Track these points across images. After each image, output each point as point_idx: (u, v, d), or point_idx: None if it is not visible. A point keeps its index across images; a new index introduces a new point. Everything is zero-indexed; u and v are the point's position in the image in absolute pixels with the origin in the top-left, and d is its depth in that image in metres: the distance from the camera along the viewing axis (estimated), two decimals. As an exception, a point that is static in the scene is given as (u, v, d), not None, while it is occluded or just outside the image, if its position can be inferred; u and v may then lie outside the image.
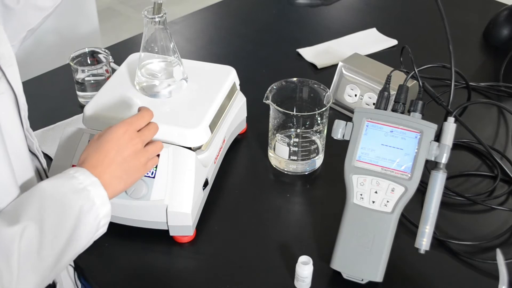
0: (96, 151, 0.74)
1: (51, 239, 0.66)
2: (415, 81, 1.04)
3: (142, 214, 0.87)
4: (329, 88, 1.07)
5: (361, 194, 0.82)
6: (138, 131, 0.78)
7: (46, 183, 0.69)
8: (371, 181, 0.82)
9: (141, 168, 0.78)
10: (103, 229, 0.73)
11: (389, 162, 0.81)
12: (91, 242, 0.72)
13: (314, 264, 0.81)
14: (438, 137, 0.81)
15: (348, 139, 0.84)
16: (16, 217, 0.65)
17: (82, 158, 0.75)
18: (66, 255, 0.68)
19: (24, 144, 0.74)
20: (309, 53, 1.36)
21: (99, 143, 0.75)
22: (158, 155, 0.85)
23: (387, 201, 0.81)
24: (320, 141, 1.02)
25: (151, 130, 0.80)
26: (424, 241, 0.79)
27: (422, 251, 0.79)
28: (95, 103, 0.93)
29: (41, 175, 0.81)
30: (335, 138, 0.85)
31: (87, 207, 0.69)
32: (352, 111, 0.90)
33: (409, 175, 0.80)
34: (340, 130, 0.84)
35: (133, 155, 0.76)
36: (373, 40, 1.42)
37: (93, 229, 0.71)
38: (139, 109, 0.81)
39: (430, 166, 0.83)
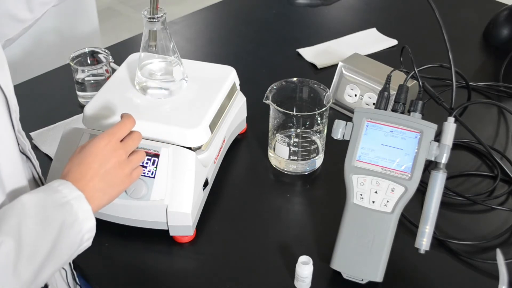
0: (79, 164, 0.73)
1: (29, 254, 0.64)
2: (415, 81, 1.04)
3: (142, 214, 0.87)
4: (329, 88, 1.07)
5: (361, 194, 0.82)
6: (121, 140, 0.76)
7: (27, 196, 0.68)
8: (371, 181, 0.82)
9: (126, 179, 0.77)
10: (87, 243, 0.71)
11: (389, 162, 0.81)
12: (74, 256, 0.71)
13: (314, 264, 0.81)
14: (438, 137, 0.81)
15: (348, 139, 0.84)
16: None
17: (65, 171, 0.74)
18: (46, 270, 0.66)
19: (15, 147, 0.74)
20: (309, 53, 1.36)
21: (81, 156, 0.74)
22: (143, 165, 0.84)
23: (387, 201, 0.81)
24: (320, 141, 1.02)
25: (134, 139, 0.79)
26: (424, 241, 0.79)
27: (422, 251, 0.79)
28: (95, 103, 0.93)
29: (34, 177, 0.81)
30: (335, 138, 0.85)
31: (69, 221, 0.68)
32: (352, 111, 0.90)
33: (409, 175, 0.80)
34: (340, 130, 0.84)
35: (117, 166, 0.75)
36: (373, 40, 1.42)
37: (75, 244, 0.69)
38: (122, 116, 0.80)
39: (430, 166, 0.83)
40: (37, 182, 0.81)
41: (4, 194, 0.71)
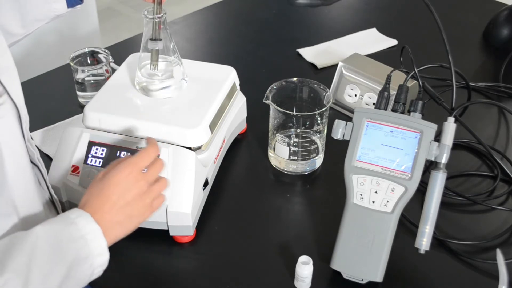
0: (98, 194, 0.71)
1: None
2: (415, 81, 1.04)
3: (142, 214, 0.87)
4: (329, 88, 1.07)
5: (361, 194, 0.82)
6: (143, 169, 0.74)
7: (41, 228, 0.66)
8: (371, 181, 0.82)
9: (146, 210, 0.74)
10: (97, 275, 0.70)
11: (389, 162, 0.81)
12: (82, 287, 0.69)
13: (314, 264, 0.81)
14: (438, 137, 0.81)
15: (348, 139, 0.84)
16: (1, 265, 0.62)
17: (84, 200, 0.71)
18: None
19: (26, 156, 0.74)
20: (309, 53, 1.36)
21: (101, 185, 0.72)
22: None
23: (387, 201, 0.81)
24: (320, 141, 1.02)
25: (157, 168, 0.76)
26: (424, 241, 0.79)
27: (422, 251, 0.79)
28: (95, 103, 0.93)
29: (41, 183, 0.81)
30: (335, 138, 0.85)
31: (82, 256, 0.66)
32: (352, 111, 0.90)
33: (409, 175, 0.80)
34: (340, 130, 0.84)
35: (137, 197, 0.72)
36: (373, 40, 1.42)
37: (85, 278, 0.68)
38: (147, 141, 0.78)
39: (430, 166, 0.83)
40: (43, 189, 0.81)
41: (13, 202, 0.71)
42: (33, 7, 0.90)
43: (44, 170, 0.80)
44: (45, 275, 0.63)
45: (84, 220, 0.68)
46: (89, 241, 0.67)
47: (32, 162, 0.77)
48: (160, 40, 0.91)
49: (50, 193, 0.82)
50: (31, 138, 0.77)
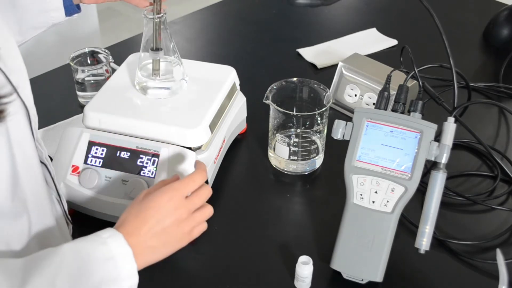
0: (136, 216, 0.69)
1: None
2: (415, 81, 1.04)
3: (142, 214, 0.87)
4: (329, 88, 1.07)
5: (361, 194, 0.82)
6: (187, 196, 0.72)
7: (70, 246, 0.64)
8: (371, 181, 0.82)
9: (184, 238, 0.72)
10: None
11: (389, 162, 0.81)
12: None
13: (314, 264, 0.81)
14: (438, 137, 0.81)
15: (348, 139, 0.84)
16: (23, 280, 0.60)
17: (122, 219, 0.70)
18: None
19: (35, 155, 0.74)
20: (309, 53, 1.36)
21: (140, 208, 0.70)
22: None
23: (387, 201, 0.81)
24: (320, 141, 1.02)
25: (201, 196, 0.73)
26: (424, 241, 0.79)
27: (422, 251, 0.79)
28: (95, 103, 0.93)
29: (49, 183, 0.81)
30: (335, 138, 0.85)
31: (110, 278, 0.64)
32: (352, 111, 0.90)
33: (409, 175, 0.80)
34: (340, 130, 0.84)
35: (176, 224, 0.70)
36: (373, 40, 1.42)
37: None
38: (195, 164, 0.75)
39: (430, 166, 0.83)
40: (51, 187, 0.81)
41: (25, 202, 0.71)
42: (31, 15, 0.91)
43: (52, 168, 0.80)
44: None
45: (116, 241, 0.66)
46: (119, 264, 0.64)
47: (40, 161, 0.78)
48: (161, 49, 0.91)
49: (58, 192, 0.82)
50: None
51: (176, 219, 0.70)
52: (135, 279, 0.66)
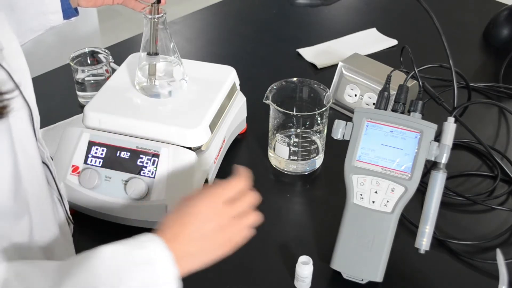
0: (175, 222, 0.67)
1: None
2: (415, 81, 1.04)
3: (142, 214, 0.87)
4: (329, 88, 1.07)
5: (361, 194, 0.82)
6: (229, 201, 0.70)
7: (107, 248, 0.63)
8: (371, 181, 0.81)
9: (225, 245, 0.69)
10: None
11: (389, 162, 0.81)
12: None
13: (314, 264, 0.81)
14: (438, 137, 0.81)
15: (348, 139, 0.84)
16: (58, 283, 0.59)
17: (160, 226, 0.67)
18: None
19: (37, 156, 0.74)
20: (309, 53, 1.36)
21: (179, 214, 0.68)
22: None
23: (387, 201, 0.81)
24: (320, 141, 1.02)
25: (244, 202, 0.71)
26: (424, 241, 0.79)
27: (422, 251, 0.79)
28: (95, 103, 0.93)
29: (50, 183, 0.81)
30: (335, 138, 0.85)
31: (149, 282, 0.62)
32: (352, 111, 0.90)
33: (409, 175, 0.80)
34: (340, 130, 0.84)
35: (216, 230, 0.68)
36: (373, 40, 1.42)
37: None
38: (235, 171, 0.73)
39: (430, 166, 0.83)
40: (52, 187, 0.81)
41: (27, 202, 0.70)
42: (30, 18, 0.91)
43: (53, 168, 0.80)
44: None
45: (155, 245, 0.64)
46: (158, 268, 0.63)
47: (42, 161, 0.78)
48: (157, 54, 0.92)
49: (59, 192, 0.82)
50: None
51: (216, 225, 0.68)
52: (175, 285, 0.64)
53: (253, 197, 0.72)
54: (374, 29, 1.46)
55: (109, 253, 0.62)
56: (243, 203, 0.71)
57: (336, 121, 0.85)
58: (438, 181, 0.80)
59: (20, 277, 0.60)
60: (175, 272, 0.63)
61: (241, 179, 0.72)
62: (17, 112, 0.68)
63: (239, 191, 0.71)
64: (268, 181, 1.02)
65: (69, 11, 0.94)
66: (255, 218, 0.72)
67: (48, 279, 0.60)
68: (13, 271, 0.60)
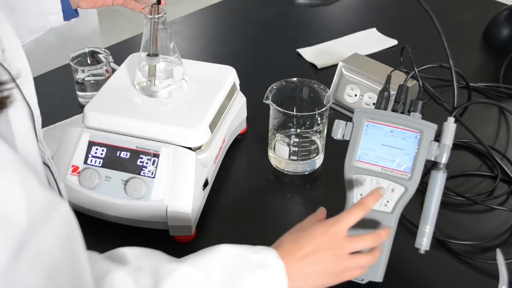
0: (292, 241, 0.71)
1: None
2: (415, 81, 1.04)
3: (142, 214, 0.87)
4: (329, 88, 1.07)
5: (361, 194, 0.82)
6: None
7: (227, 246, 0.67)
8: (371, 181, 0.81)
9: (335, 275, 0.71)
10: None
11: (389, 162, 0.81)
12: None
13: (314, 264, 0.81)
14: (438, 137, 0.81)
15: (348, 139, 0.84)
16: (180, 261, 0.65)
17: (276, 243, 0.72)
18: None
19: (38, 156, 0.74)
20: (309, 53, 1.36)
21: (298, 235, 0.72)
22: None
23: (387, 201, 0.81)
24: (320, 141, 1.02)
25: (363, 240, 0.72)
26: (424, 241, 0.79)
27: (422, 251, 0.79)
28: (95, 103, 0.93)
29: (51, 184, 0.81)
30: (335, 138, 0.85)
31: (261, 283, 0.66)
32: (352, 111, 0.90)
33: (409, 175, 0.80)
34: (340, 130, 0.84)
35: (329, 256, 0.70)
36: (373, 40, 1.42)
37: None
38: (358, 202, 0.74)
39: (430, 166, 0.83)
40: (53, 188, 0.81)
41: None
42: (30, 19, 0.90)
43: (54, 169, 0.80)
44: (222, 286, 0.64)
45: (270, 253, 0.68)
46: (271, 273, 0.66)
47: (43, 162, 0.77)
48: (157, 55, 0.92)
49: (60, 193, 0.82)
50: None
51: (330, 253, 0.70)
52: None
53: (372, 239, 0.73)
54: (374, 29, 1.46)
55: (228, 250, 0.67)
56: (360, 240, 0.73)
57: (336, 121, 0.85)
58: (438, 181, 0.79)
59: (145, 256, 0.66)
60: (286, 281, 0.67)
61: (358, 209, 0.74)
62: (18, 112, 0.68)
63: (353, 221, 0.73)
64: (268, 181, 1.02)
65: (69, 12, 0.94)
66: (369, 260, 0.73)
67: (170, 259, 0.66)
68: (137, 253, 0.66)
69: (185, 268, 0.64)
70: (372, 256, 0.73)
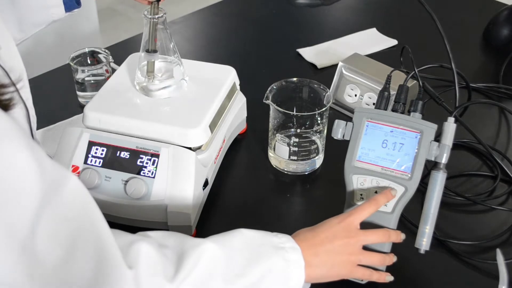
0: (308, 230, 0.75)
1: (234, 274, 0.66)
2: (415, 81, 1.04)
3: (142, 214, 0.87)
4: (329, 88, 1.07)
5: (361, 194, 0.82)
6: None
7: (246, 230, 0.72)
8: (371, 181, 0.82)
9: (348, 266, 0.74)
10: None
11: (389, 162, 0.81)
12: None
13: (314, 264, 0.81)
14: (438, 137, 0.81)
15: (348, 139, 0.84)
16: (203, 239, 0.68)
17: (295, 233, 0.76)
18: None
19: None
20: (309, 53, 1.36)
21: (313, 227, 0.76)
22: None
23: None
24: (320, 141, 1.02)
25: (375, 234, 0.77)
26: (424, 241, 0.79)
27: (422, 251, 0.79)
28: (95, 103, 0.93)
29: None
30: (335, 138, 0.85)
31: (280, 265, 0.69)
32: (352, 111, 0.90)
33: (409, 175, 0.80)
34: (340, 130, 0.84)
35: (344, 245, 0.74)
36: (373, 40, 1.42)
37: None
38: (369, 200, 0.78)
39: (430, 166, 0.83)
40: None
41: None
42: (32, 12, 0.91)
43: None
44: (242, 266, 0.67)
45: (286, 237, 0.72)
46: (289, 252, 0.70)
47: None
48: (156, 52, 0.92)
49: None
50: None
51: (345, 242, 0.74)
52: (301, 276, 0.70)
53: (383, 235, 0.77)
54: (374, 29, 1.46)
55: (248, 233, 0.70)
56: (373, 234, 0.76)
57: (336, 121, 0.85)
58: (438, 181, 0.80)
59: (167, 235, 0.69)
60: (303, 264, 0.70)
61: (370, 204, 0.77)
62: (16, 112, 0.68)
63: (364, 216, 0.77)
64: (268, 181, 1.02)
65: (70, 4, 0.94)
66: (379, 259, 0.77)
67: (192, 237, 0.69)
68: (159, 233, 0.70)
69: (209, 244, 0.67)
70: (383, 257, 0.77)
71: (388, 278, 0.78)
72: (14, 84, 0.67)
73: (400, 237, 0.79)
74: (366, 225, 0.79)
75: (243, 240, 0.70)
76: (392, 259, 0.78)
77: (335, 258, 0.73)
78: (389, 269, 0.81)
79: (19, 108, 0.70)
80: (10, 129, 0.49)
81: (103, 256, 0.56)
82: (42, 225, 0.50)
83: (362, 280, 0.82)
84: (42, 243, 0.50)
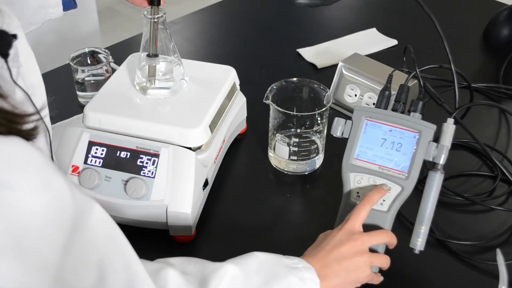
0: (313, 248, 0.77)
1: None
2: (416, 81, 1.04)
3: (142, 214, 0.87)
4: (329, 88, 1.07)
5: (357, 192, 0.82)
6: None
7: (258, 252, 0.73)
8: (368, 180, 0.82)
9: (364, 267, 0.75)
10: None
11: (387, 161, 0.82)
12: None
13: (314, 264, 0.81)
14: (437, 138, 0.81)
15: (347, 137, 0.84)
16: (218, 264, 0.69)
17: (302, 255, 0.77)
18: None
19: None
20: (309, 53, 1.36)
21: (317, 243, 0.77)
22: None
23: (383, 200, 0.81)
24: (320, 141, 1.02)
25: (376, 234, 0.77)
26: (419, 241, 0.79)
27: (416, 251, 0.79)
28: (95, 103, 0.93)
29: None
30: (334, 135, 0.85)
31: (296, 285, 0.70)
32: (352, 111, 0.90)
33: (406, 175, 0.80)
34: (339, 128, 0.84)
35: (352, 250, 0.74)
36: (373, 40, 1.42)
37: None
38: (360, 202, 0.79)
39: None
40: None
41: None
42: (30, 12, 0.91)
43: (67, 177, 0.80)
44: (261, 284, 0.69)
45: (296, 258, 0.74)
46: (303, 272, 0.71)
47: None
48: (157, 56, 0.92)
49: None
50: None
51: (352, 246, 0.74)
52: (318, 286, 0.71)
53: (385, 235, 0.78)
54: (374, 29, 1.46)
55: (262, 255, 0.72)
56: (372, 237, 0.77)
57: (336, 118, 0.85)
58: (435, 182, 0.79)
59: (186, 260, 0.71)
60: (318, 280, 0.71)
61: (364, 206, 0.78)
62: (39, 135, 0.67)
63: (362, 216, 0.78)
64: (268, 181, 1.02)
65: (68, 4, 0.94)
66: (385, 261, 0.78)
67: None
68: (179, 260, 0.71)
69: (229, 265, 0.68)
70: (385, 256, 0.78)
71: (380, 279, 0.80)
72: (38, 112, 0.67)
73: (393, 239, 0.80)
74: (363, 226, 0.79)
75: (258, 261, 0.71)
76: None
77: (346, 263, 0.74)
78: (390, 269, 0.81)
79: (43, 135, 0.69)
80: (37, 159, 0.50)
81: (134, 284, 0.56)
82: (72, 255, 0.50)
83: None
84: (73, 273, 0.50)
